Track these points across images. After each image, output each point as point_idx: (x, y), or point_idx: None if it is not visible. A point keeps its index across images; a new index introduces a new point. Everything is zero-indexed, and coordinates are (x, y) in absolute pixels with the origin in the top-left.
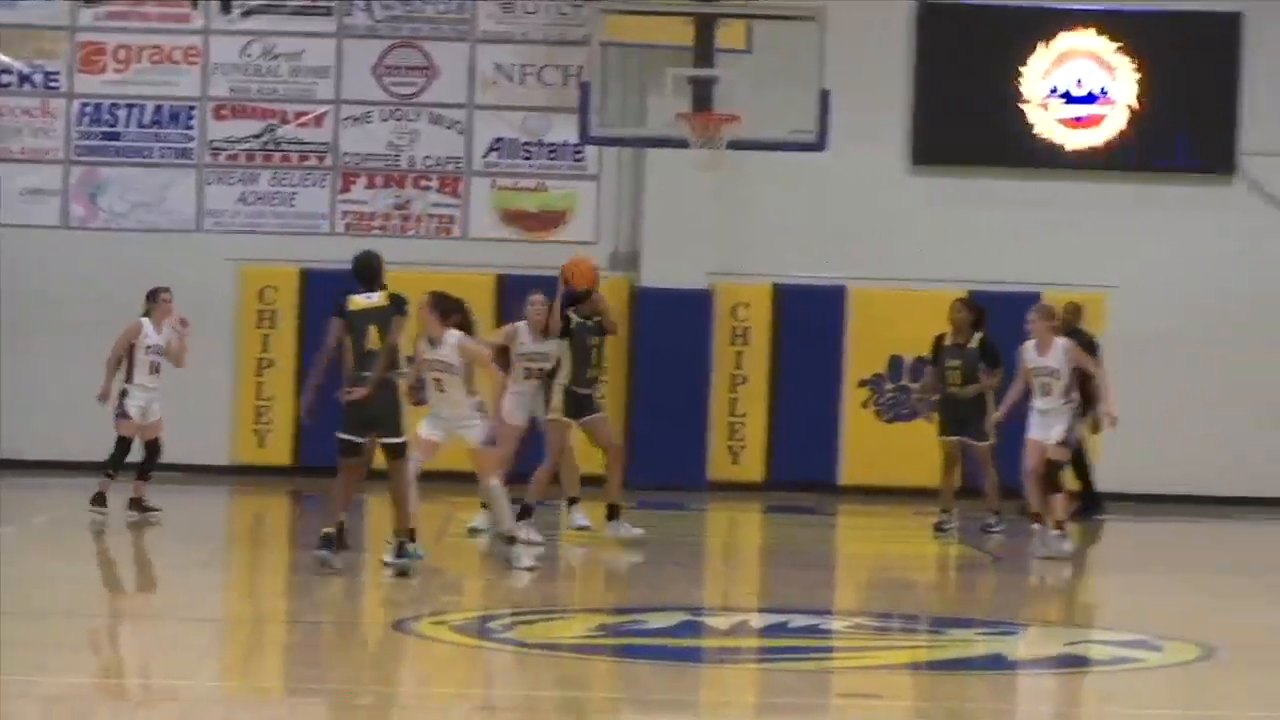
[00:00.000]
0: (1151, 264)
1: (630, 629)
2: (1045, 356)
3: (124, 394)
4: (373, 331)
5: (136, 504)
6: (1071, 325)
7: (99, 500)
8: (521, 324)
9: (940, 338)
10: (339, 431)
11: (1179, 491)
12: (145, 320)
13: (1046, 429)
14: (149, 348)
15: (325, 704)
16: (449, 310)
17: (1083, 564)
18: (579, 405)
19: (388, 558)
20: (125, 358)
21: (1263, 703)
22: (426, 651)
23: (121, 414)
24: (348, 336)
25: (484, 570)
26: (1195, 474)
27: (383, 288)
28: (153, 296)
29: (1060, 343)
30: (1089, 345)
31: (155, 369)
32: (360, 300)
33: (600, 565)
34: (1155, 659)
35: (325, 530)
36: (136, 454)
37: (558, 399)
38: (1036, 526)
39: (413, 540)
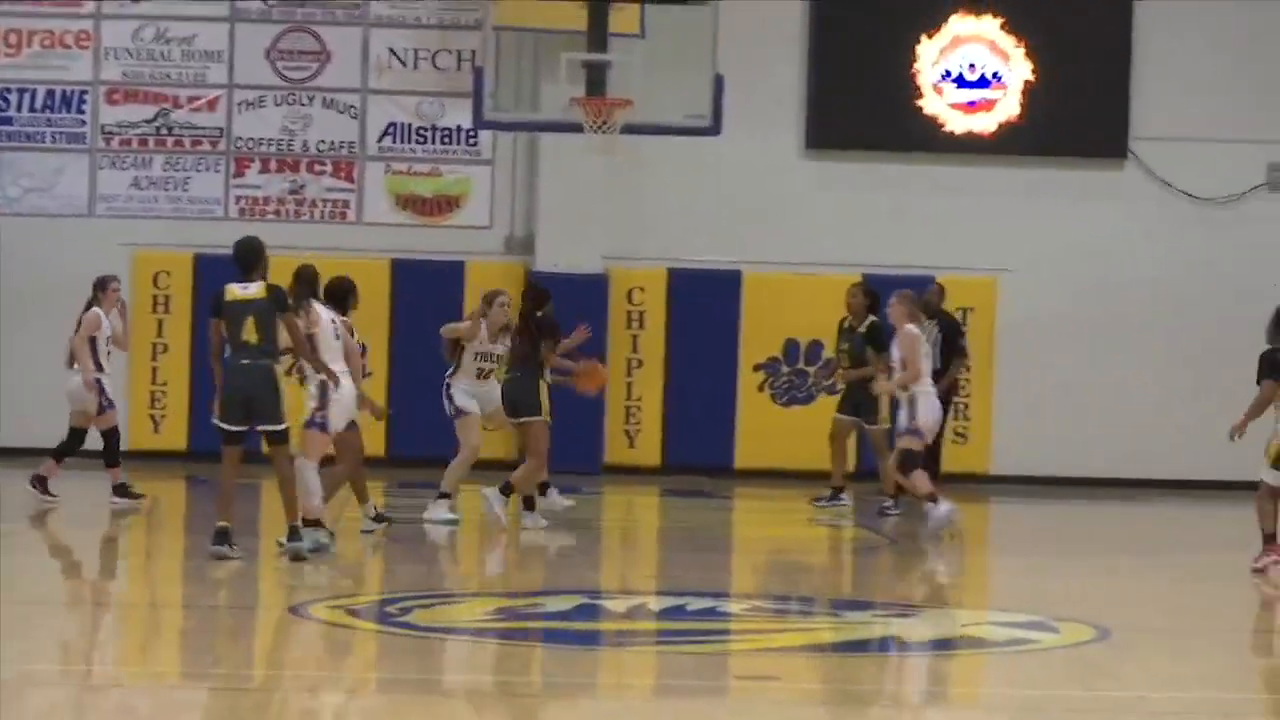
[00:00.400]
0: (1044, 248)
1: (527, 612)
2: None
3: (100, 385)
4: (250, 323)
5: (40, 483)
6: (935, 308)
7: (122, 491)
8: (483, 321)
9: (843, 320)
10: (216, 420)
11: (1074, 474)
12: (99, 310)
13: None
14: (107, 337)
15: (221, 689)
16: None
17: (978, 546)
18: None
19: (284, 540)
20: (89, 349)
21: (1157, 683)
22: (323, 636)
23: (111, 405)
24: (225, 327)
25: (382, 555)
26: (1089, 456)
27: (262, 277)
28: (102, 286)
29: (903, 330)
30: (954, 328)
31: (108, 356)
32: (237, 291)
33: (498, 550)
34: (1051, 640)
35: (220, 525)
36: (54, 438)
37: (547, 401)
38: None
39: (320, 525)
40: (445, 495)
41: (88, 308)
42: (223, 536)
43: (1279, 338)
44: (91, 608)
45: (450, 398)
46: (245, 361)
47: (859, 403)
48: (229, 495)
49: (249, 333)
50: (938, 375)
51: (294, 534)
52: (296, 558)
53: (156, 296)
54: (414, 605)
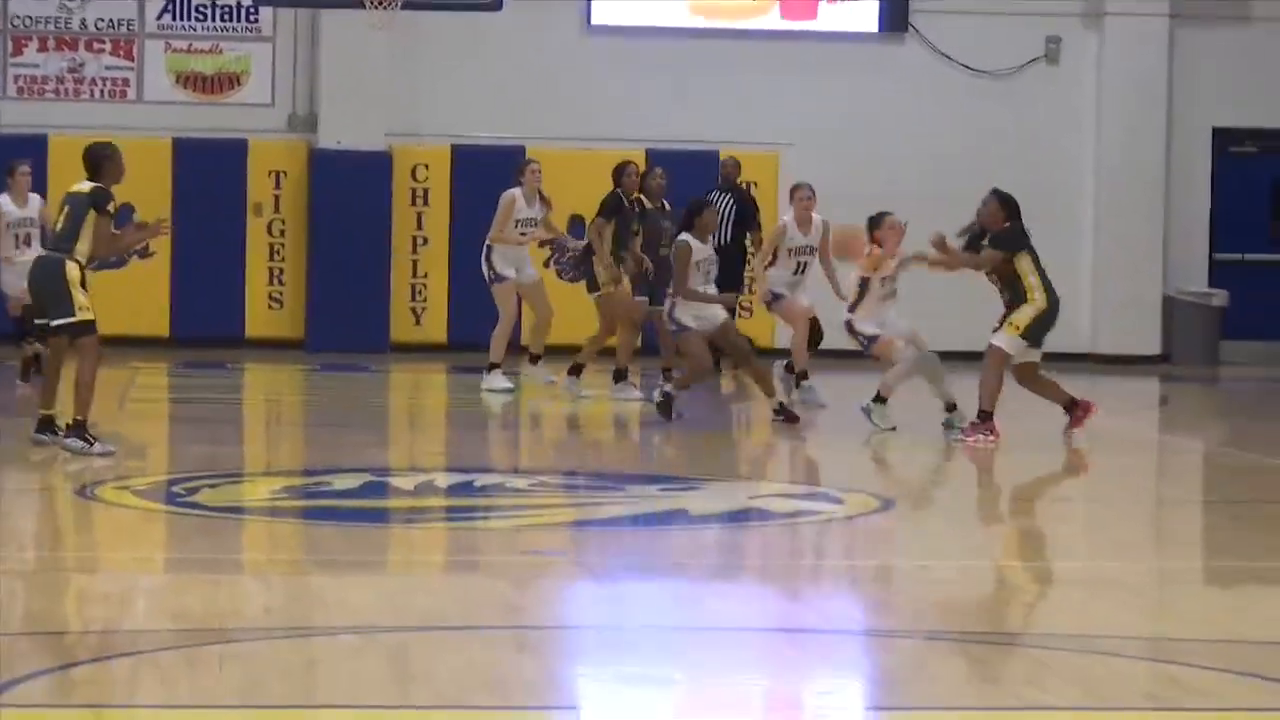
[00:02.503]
0: (826, 123)
1: (314, 491)
2: (808, 235)
3: None
4: (62, 214)
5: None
6: (731, 181)
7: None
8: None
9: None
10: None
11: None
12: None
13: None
14: (10, 224)
15: (4, 571)
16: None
17: (763, 421)
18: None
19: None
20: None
21: (938, 550)
22: (109, 517)
23: None
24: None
25: (167, 436)
26: None
27: (110, 182)
28: (10, 170)
29: (819, 220)
30: (750, 202)
31: (27, 241)
32: (74, 186)
33: (286, 429)
34: (835, 511)
35: (40, 413)
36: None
37: (606, 275)
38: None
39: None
40: (495, 365)
41: None
42: (44, 426)
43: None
44: None
45: (490, 263)
46: (41, 252)
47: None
48: (45, 383)
49: (59, 222)
50: (729, 249)
51: (74, 429)
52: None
53: None
54: (201, 485)
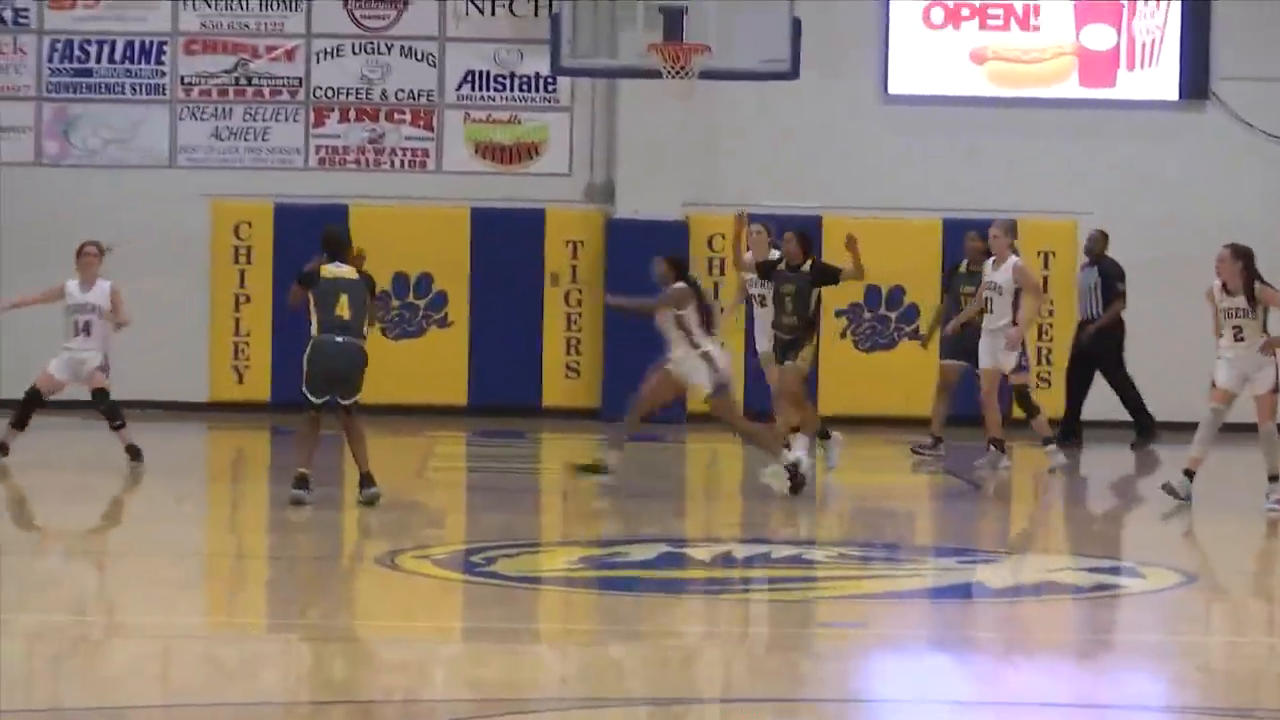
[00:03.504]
0: (1125, 191)
1: (611, 561)
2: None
3: None
4: (344, 299)
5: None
6: (1097, 253)
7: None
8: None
9: (956, 266)
10: (303, 387)
11: (1160, 418)
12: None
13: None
14: (70, 307)
15: (307, 638)
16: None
17: (1066, 492)
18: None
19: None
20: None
21: (1242, 628)
22: (408, 585)
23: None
24: (313, 302)
25: (464, 505)
26: (1181, 401)
27: (345, 259)
28: (77, 252)
29: (1013, 260)
30: (1114, 273)
31: (86, 329)
32: (331, 270)
33: (581, 499)
34: (1137, 585)
35: (299, 471)
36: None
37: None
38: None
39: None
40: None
41: None
42: (302, 482)
43: None
44: (177, 558)
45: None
46: (339, 339)
47: (972, 348)
48: (305, 447)
49: (341, 308)
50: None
51: (366, 481)
52: (370, 503)
53: (238, 247)
54: (498, 555)
